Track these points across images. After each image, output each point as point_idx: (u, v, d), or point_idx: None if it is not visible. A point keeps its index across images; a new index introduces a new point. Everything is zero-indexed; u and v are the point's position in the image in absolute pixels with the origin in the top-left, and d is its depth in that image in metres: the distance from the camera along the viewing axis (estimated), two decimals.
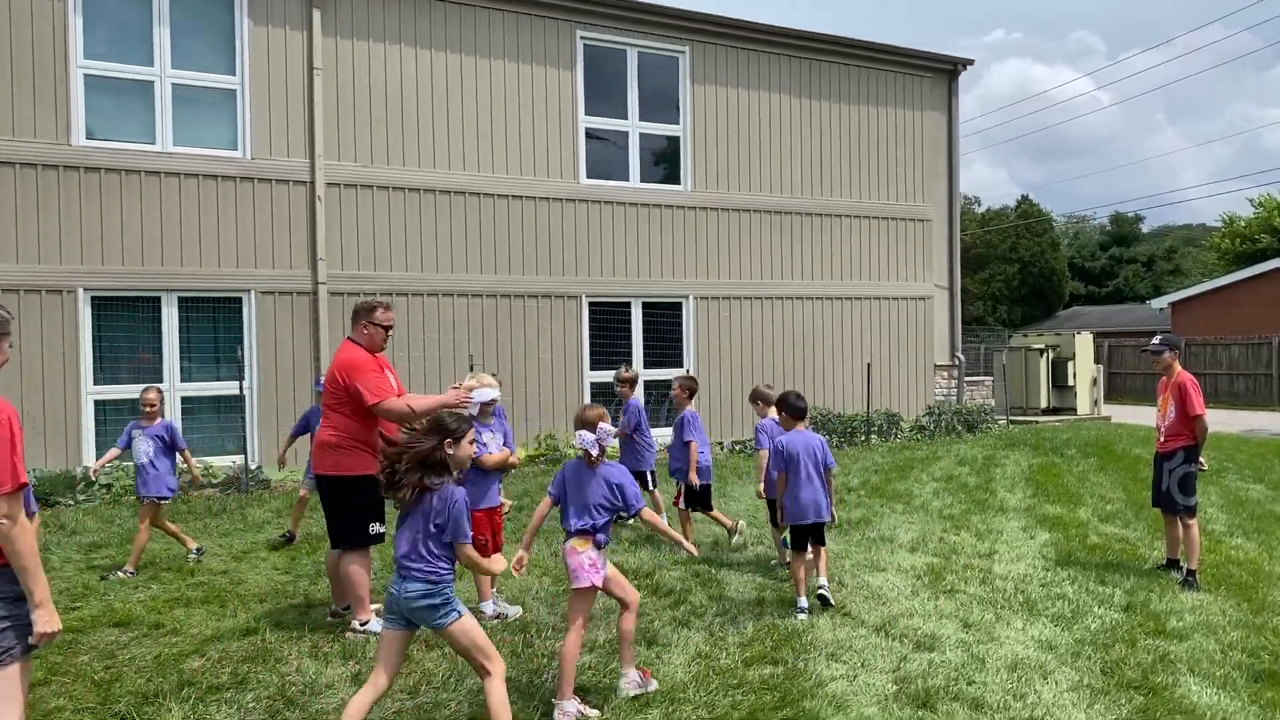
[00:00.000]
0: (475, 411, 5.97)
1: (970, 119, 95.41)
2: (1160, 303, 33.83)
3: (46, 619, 3.16)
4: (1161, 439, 7.17)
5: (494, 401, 6.06)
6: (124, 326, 11.81)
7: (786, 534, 6.52)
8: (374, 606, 6.00)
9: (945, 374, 18.22)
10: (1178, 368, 7.10)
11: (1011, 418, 19.41)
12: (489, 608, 6.10)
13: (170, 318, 12.01)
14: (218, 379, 12.26)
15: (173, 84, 12.02)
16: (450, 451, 4.04)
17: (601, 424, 4.75)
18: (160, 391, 7.72)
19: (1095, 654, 5.30)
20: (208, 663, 5.23)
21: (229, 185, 12.29)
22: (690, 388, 8.37)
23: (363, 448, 5.83)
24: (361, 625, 5.75)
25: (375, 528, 5.88)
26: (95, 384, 11.58)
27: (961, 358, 18.40)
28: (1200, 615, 6.05)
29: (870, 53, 16.91)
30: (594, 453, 4.72)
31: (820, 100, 16.50)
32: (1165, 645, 5.48)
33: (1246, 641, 5.57)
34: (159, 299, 11.96)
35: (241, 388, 11.91)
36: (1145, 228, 60.86)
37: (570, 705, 4.49)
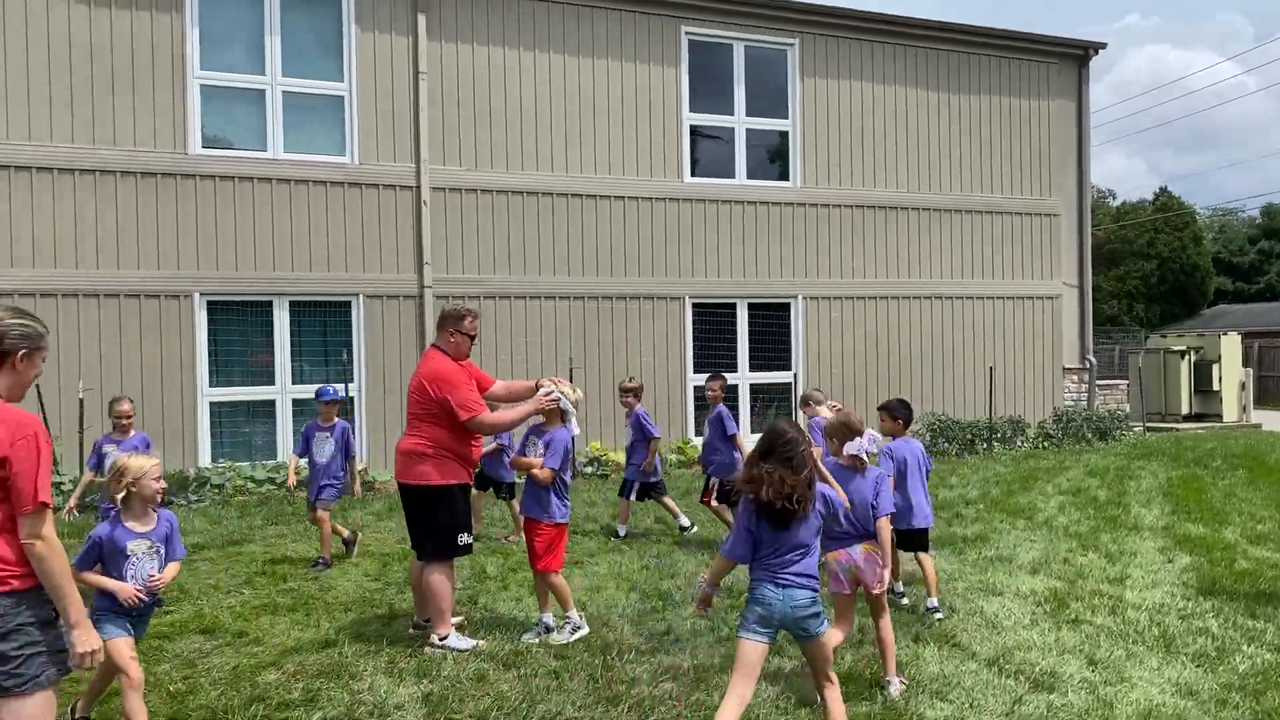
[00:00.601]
0: (571, 418, 5.79)
1: (1103, 108, 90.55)
2: None
3: (85, 638, 3.06)
4: None
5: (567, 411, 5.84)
6: (237, 330, 12.09)
7: None
8: (455, 620, 5.83)
9: (1075, 378, 17.15)
10: None
11: (1148, 425, 18.16)
12: (551, 620, 5.84)
13: (281, 322, 12.24)
14: (326, 382, 12.42)
15: (283, 91, 12.25)
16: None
17: (869, 430, 5.16)
18: (132, 401, 7.32)
19: (1245, 702, 4.67)
20: (283, 676, 5.13)
21: (337, 191, 12.45)
22: (725, 385, 8.69)
23: (451, 457, 5.68)
24: (440, 640, 5.57)
25: (463, 539, 5.72)
26: (210, 386, 11.88)
27: (1093, 360, 17.29)
28: None
29: (991, 39, 16.04)
30: (864, 456, 5.00)
31: (937, 90, 15.73)
32: None
33: None
34: (270, 303, 12.20)
35: (349, 391, 12.03)
36: None
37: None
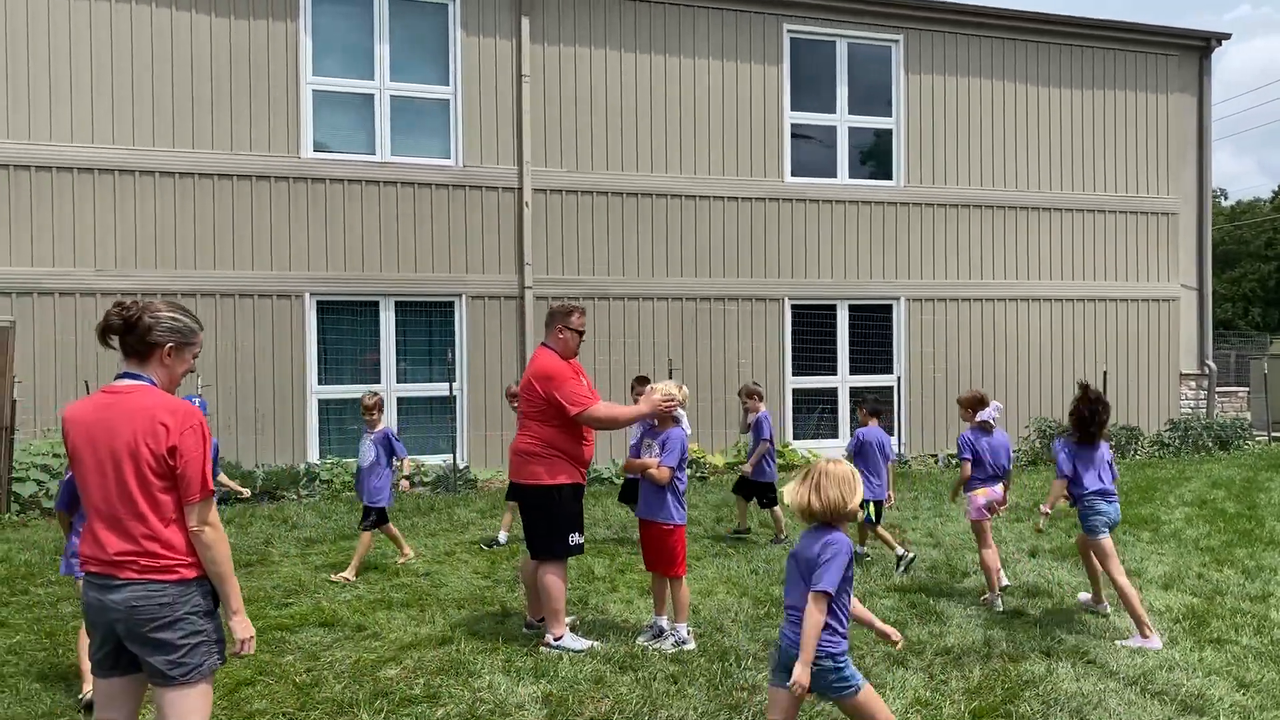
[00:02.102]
0: (682, 417, 5.73)
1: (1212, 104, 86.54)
2: None
3: (244, 625, 3.13)
4: None
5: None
6: (346, 329, 12.36)
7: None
8: (570, 620, 5.81)
9: (1193, 384, 16.39)
10: None
11: (1274, 434, 17.24)
12: (666, 624, 5.76)
13: (388, 321, 12.47)
14: (430, 380, 12.64)
15: (391, 96, 12.49)
16: None
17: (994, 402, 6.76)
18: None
19: None
20: (403, 672, 5.17)
21: (442, 193, 12.64)
22: (761, 393, 9.06)
23: (562, 456, 5.65)
24: (555, 640, 5.55)
25: (575, 538, 5.69)
26: (320, 384, 12.17)
27: (1212, 366, 16.49)
28: None
29: (1105, 31, 15.44)
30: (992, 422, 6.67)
31: (1047, 85, 15.21)
32: None
33: None
34: (378, 303, 12.45)
35: (452, 389, 12.20)
36: None
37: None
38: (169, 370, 3.18)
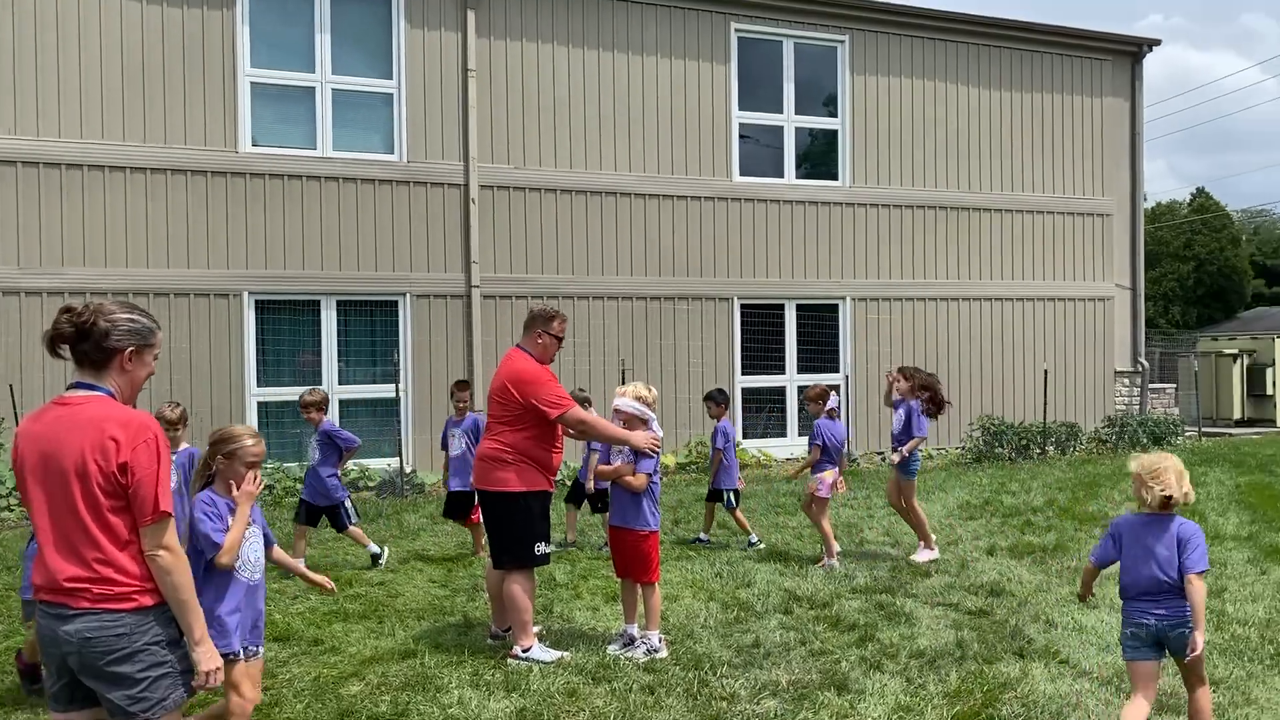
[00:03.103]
0: (652, 420, 5.59)
1: None
2: None
3: (209, 655, 2.88)
4: None
5: (615, 412, 5.60)
6: (286, 329, 11.98)
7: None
8: (536, 629, 5.64)
9: (1127, 381, 16.80)
10: None
11: (1204, 430, 17.77)
12: (636, 632, 5.63)
13: (329, 321, 12.12)
14: (374, 382, 12.32)
15: (332, 89, 12.13)
16: None
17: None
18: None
19: None
20: (367, 688, 4.96)
21: (385, 189, 12.32)
22: (717, 399, 8.75)
23: (530, 463, 5.48)
24: (524, 652, 5.38)
25: (541, 548, 5.51)
26: (258, 386, 11.78)
27: (1145, 364, 16.93)
28: None
29: (1042, 35, 15.72)
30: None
31: (988, 88, 15.43)
32: None
33: None
34: (318, 302, 12.09)
35: (398, 391, 11.90)
36: None
37: None
38: (130, 376, 2.95)
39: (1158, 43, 16.65)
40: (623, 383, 8.98)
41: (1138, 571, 4.06)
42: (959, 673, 5.11)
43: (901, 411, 7.98)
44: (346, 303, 12.24)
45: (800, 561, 7.68)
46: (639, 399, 5.50)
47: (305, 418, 7.68)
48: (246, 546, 3.85)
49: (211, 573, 3.74)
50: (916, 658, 5.36)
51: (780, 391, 14.25)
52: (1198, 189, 47.03)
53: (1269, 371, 18.47)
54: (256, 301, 11.78)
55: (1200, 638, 3.89)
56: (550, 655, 5.40)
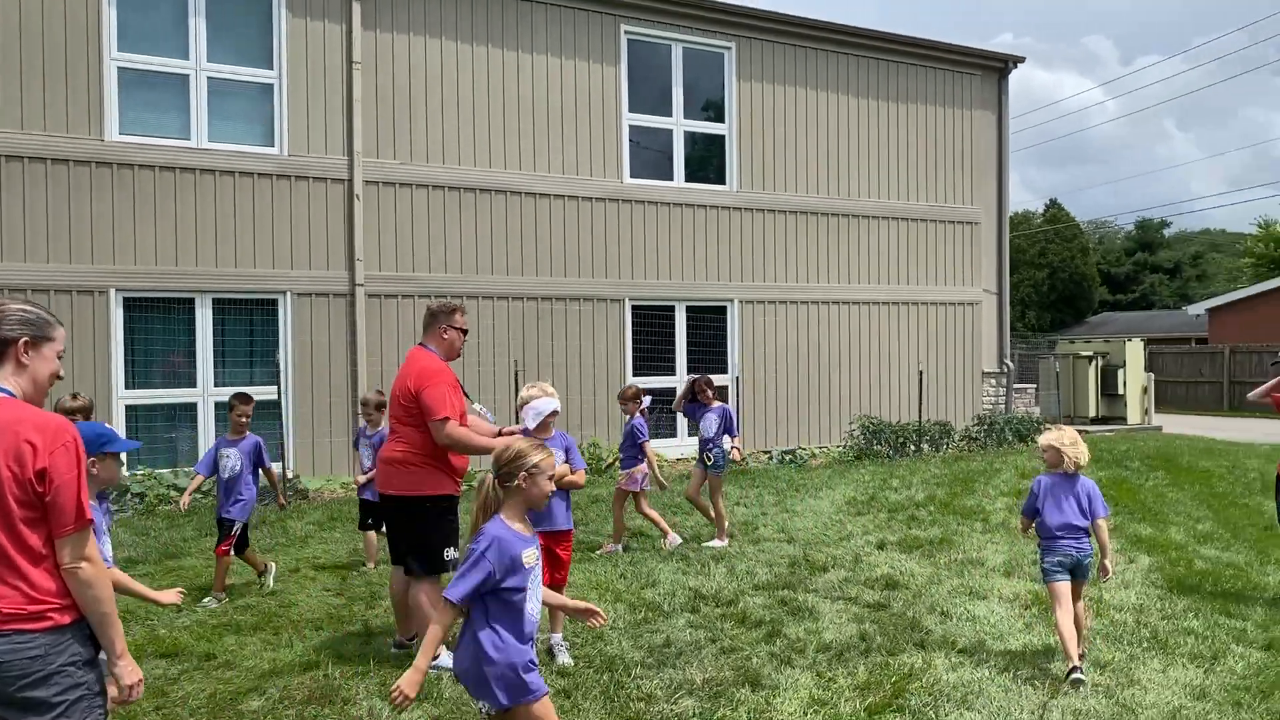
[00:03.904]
0: (531, 425, 5.45)
1: None
2: (1198, 309, 33.14)
3: (130, 669, 2.71)
4: None
5: (554, 414, 5.50)
6: (157, 329, 11.37)
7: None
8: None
9: (993, 381, 17.63)
10: None
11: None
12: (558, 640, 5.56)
13: (204, 320, 11.57)
14: (253, 383, 11.81)
15: (208, 78, 11.59)
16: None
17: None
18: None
19: (1257, 703, 4.74)
20: (268, 703, 4.74)
21: (265, 183, 11.84)
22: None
23: (436, 465, 5.33)
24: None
25: (450, 553, 5.36)
26: (127, 388, 11.14)
27: (1011, 365, 17.80)
28: None
29: (917, 49, 16.35)
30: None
31: (867, 98, 15.95)
32: None
33: None
34: (193, 300, 11.52)
35: (279, 393, 11.45)
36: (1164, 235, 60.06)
37: None
38: (30, 373, 2.75)
39: (1022, 60, 17.53)
40: (516, 383, 8.92)
41: (1057, 517, 5.20)
42: (866, 665, 5.25)
43: (715, 415, 8.65)
44: (223, 301, 11.70)
45: (701, 560, 7.75)
46: (547, 394, 5.44)
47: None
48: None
49: None
50: (824, 651, 5.48)
51: (671, 392, 14.33)
52: (1051, 200, 49.86)
53: (1120, 373, 19.68)
54: (125, 299, 11.13)
55: (1110, 564, 5.37)
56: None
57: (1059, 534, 5.16)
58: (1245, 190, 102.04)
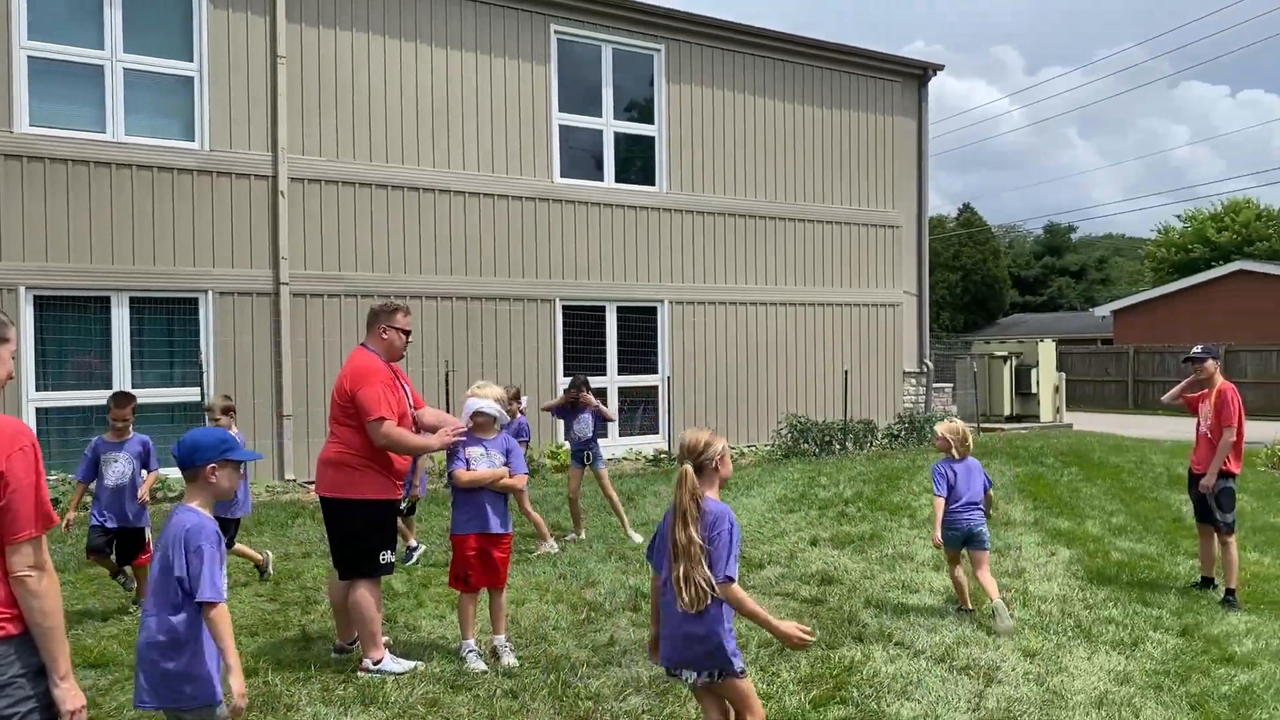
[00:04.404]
0: (464, 425, 5.42)
1: None
2: (1104, 310, 34.46)
3: (74, 694, 2.59)
4: (1206, 450, 6.92)
5: (488, 416, 5.47)
6: (71, 328, 10.96)
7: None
8: (386, 639, 5.45)
9: (914, 381, 18.08)
10: (1220, 377, 6.87)
11: (983, 425, 19.36)
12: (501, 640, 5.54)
13: (120, 319, 11.19)
14: (172, 385, 11.47)
15: (124, 69, 11.21)
16: None
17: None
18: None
19: (1176, 686, 4.98)
20: None
21: (185, 178, 11.51)
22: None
23: (374, 467, 5.26)
24: (374, 664, 5.18)
25: (386, 556, 5.30)
26: (37, 390, 10.71)
27: (930, 365, 18.28)
28: (1259, 640, 5.80)
29: (841, 55, 16.68)
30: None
31: (793, 102, 16.22)
32: (1239, 674, 5.20)
33: None
34: (109, 299, 11.14)
35: (203, 394, 11.14)
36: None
37: None
38: None
39: (941, 67, 18.02)
40: (449, 383, 8.85)
41: (960, 494, 6.22)
42: (807, 659, 5.35)
43: (588, 416, 8.89)
44: (141, 300, 11.34)
45: (639, 559, 7.79)
46: (456, 428, 5.38)
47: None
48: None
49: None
50: (765, 647, 5.57)
51: (601, 393, 14.35)
52: (965, 204, 51.32)
53: (1034, 372, 20.37)
54: (36, 298, 10.71)
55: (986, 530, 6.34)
56: (403, 666, 5.22)
57: (958, 510, 6.20)
58: (1145, 197, 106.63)
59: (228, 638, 3.03)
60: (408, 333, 5.50)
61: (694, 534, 3.47)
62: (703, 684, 3.58)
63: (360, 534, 5.26)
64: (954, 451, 6.33)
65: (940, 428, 6.49)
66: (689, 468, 3.61)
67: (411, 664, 5.26)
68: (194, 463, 3.25)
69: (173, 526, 3.21)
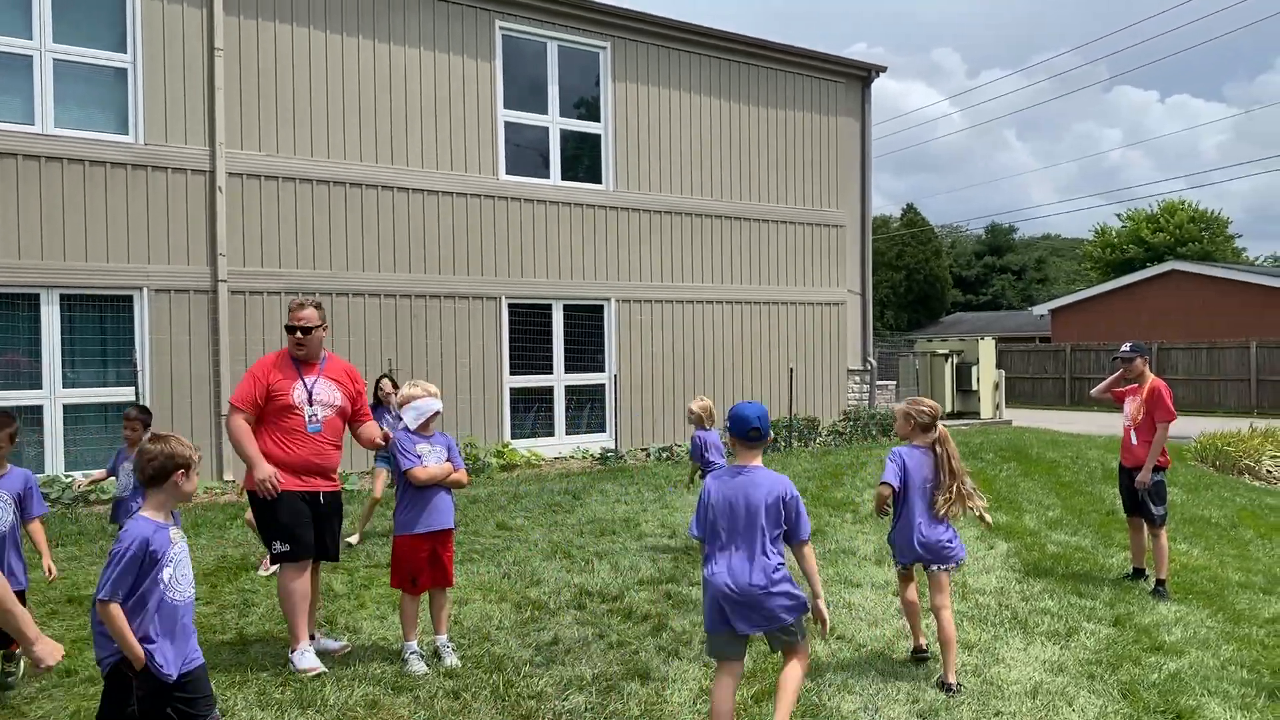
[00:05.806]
0: (412, 425, 5.36)
1: None
2: (1042, 309, 35.20)
3: (51, 649, 2.93)
4: (1134, 445, 7.10)
5: (435, 415, 5.41)
6: None
7: None
8: (336, 646, 5.40)
9: (857, 379, 18.30)
10: (1150, 374, 7.05)
11: None
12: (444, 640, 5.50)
13: (51, 317, 10.87)
14: (105, 384, 11.18)
15: (54, 59, 10.90)
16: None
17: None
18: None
19: (1108, 675, 5.10)
20: None
21: (119, 173, 11.22)
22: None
23: (271, 462, 5.26)
24: (290, 654, 5.13)
25: (278, 546, 5.23)
26: None
27: (873, 362, 18.51)
28: (1188, 629, 5.96)
29: (786, 56, 16.81)
30: None
31: (739, 102, 16.30)
32: (1168, 662, 5.34)
33: (1240, 655, 5.48)
34: (38, 296, 10.81)
35: (137, 394, 10.87)
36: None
37: None
38: None
39: (884, 69, 18.25)
40: (394, 382, 8.73)
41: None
42: (751, 654, 5.37)
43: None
44: (72, 297, 11.03)
45: (585, 558, 7.78)
46: (431, 394, 5.37)
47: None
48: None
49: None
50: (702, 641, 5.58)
51: (549, 391, 14.33)
52: (908, 205, 52.00)
53: (974, 369, 20.74)
54: None
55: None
56: (306, 663, 5.12)
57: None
58: (1081, 199, 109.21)
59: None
60: (293, 329, 5.39)
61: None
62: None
63: (260, 522, 5.40)
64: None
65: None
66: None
67: (318, 667, 5.09)
68: None
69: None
